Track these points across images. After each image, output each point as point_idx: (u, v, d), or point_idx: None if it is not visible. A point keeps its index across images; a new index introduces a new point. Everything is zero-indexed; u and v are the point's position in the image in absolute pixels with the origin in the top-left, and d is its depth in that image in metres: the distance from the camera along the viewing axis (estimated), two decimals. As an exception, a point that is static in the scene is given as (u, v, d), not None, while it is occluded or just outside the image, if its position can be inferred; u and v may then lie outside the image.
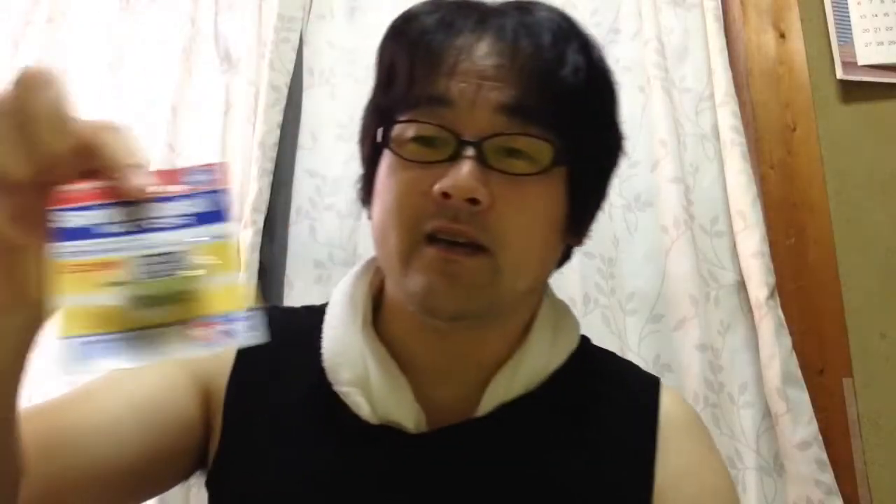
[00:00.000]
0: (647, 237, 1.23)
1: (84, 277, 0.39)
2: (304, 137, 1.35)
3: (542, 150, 0.57)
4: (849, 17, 1.30)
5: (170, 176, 0.42)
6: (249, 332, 0.41)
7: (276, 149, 1.30)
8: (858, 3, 1.30)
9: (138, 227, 0.41)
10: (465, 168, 0.54)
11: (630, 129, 1.04)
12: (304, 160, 1.33)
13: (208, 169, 0.43)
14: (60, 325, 0.39)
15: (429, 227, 0.56)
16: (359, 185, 0.67)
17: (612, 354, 0.74)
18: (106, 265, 0.40)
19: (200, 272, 0.41)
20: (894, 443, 1.15)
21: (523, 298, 0.63)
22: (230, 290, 0.41)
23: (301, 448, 0.61)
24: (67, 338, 0.38)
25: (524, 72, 0.56)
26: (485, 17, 0.59)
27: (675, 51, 1.31)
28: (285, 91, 1.33)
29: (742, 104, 1.26)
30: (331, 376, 0.62)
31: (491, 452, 0.60)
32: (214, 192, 0.42)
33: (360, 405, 0.60)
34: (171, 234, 0.41)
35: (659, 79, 1.25)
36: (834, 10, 1.30)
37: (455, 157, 0.55)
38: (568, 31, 0.59)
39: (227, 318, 0.40)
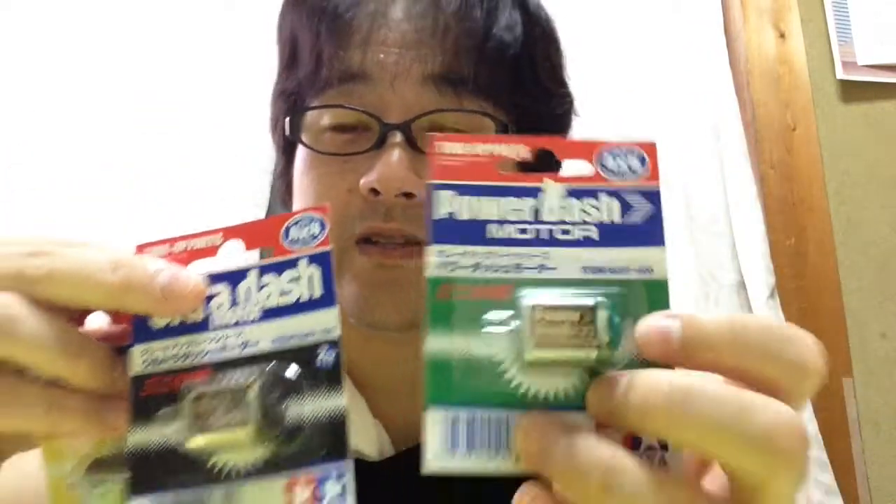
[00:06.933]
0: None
1: None
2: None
3: (481, 125, 0.49)
4: (849, 17, 1.30)
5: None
6: None
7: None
8: (858, 3, 1.30)
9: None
10: (394, 157, 0.46)
11: (629, 129, 1.04)
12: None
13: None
14: None
15: (358, 230, 0.48)
16: (276, 183, 0.58)
17: None
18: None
19: None
20: (894, 443, 1.15)
21: None
22: None
23: None
24: None
25: (450, 34, 0.49)
26: None
27: (675, 51, 1.30)
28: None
29: (742, 104, 1.26)
30: None
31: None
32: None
33: None
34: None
35: (658, 80, 1.25)
36: (834, 10, 1.30)
37: (380, 145, 0.47)
38: None
39: None
